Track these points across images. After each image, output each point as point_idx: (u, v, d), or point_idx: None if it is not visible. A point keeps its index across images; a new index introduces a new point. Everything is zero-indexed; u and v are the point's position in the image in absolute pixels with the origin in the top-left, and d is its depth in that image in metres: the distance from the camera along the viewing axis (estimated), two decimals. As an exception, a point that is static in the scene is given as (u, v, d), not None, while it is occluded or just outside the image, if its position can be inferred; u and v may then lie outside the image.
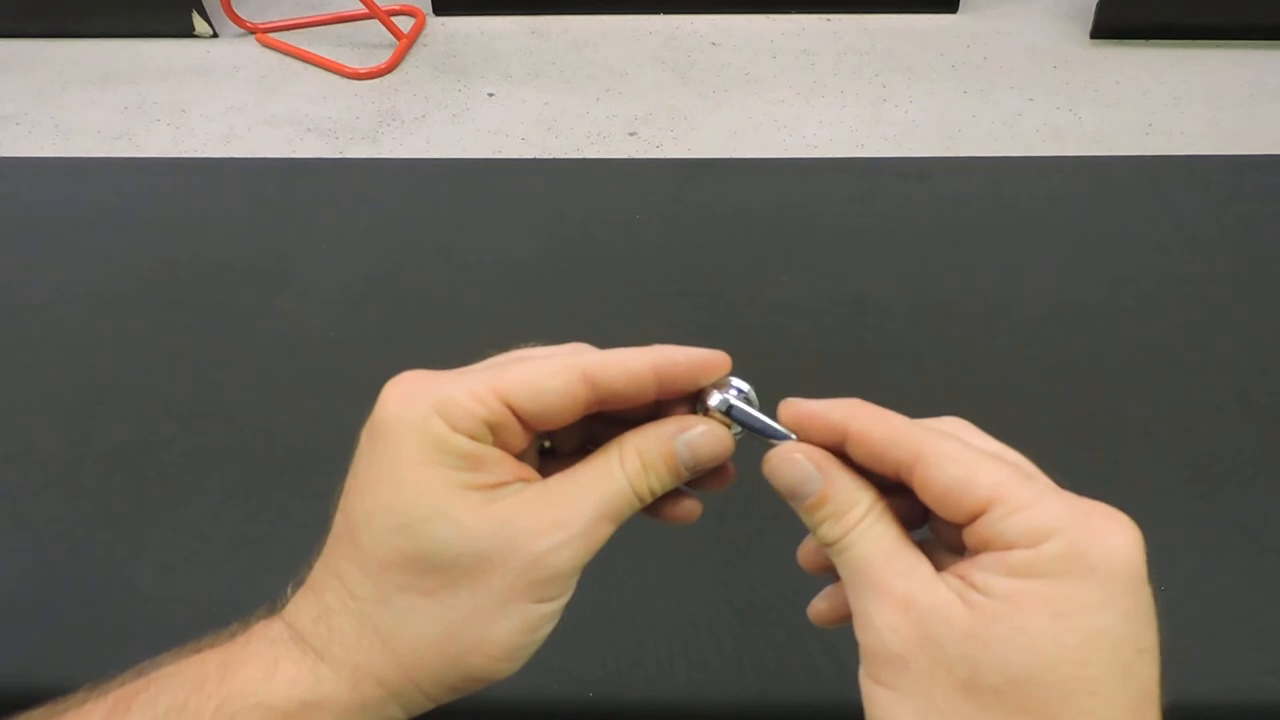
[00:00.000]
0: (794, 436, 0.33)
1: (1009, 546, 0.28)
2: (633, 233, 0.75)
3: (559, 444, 0.36)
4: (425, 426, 0.31)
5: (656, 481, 0.33)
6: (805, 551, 0.36)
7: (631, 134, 2.17)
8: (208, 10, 2.44)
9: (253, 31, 2.46)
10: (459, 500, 0.31)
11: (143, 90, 2.32)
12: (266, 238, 0.76)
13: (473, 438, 0.31)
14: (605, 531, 0.32)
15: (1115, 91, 2.21)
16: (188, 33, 2.47)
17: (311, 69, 2.37)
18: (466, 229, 0.76)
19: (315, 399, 0.65)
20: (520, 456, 0.33)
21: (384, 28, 2.40)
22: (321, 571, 0.33)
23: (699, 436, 0.33)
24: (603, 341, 0.34)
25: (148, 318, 0.70)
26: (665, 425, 0.33)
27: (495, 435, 0.32)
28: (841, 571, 0.32)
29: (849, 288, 0.70)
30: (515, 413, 0.32)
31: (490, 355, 0.35)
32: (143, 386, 0.65)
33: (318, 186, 0.80)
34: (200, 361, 0.67)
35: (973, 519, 0.29)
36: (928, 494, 0.30)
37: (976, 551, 0.30)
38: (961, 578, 0.29)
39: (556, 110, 2.23)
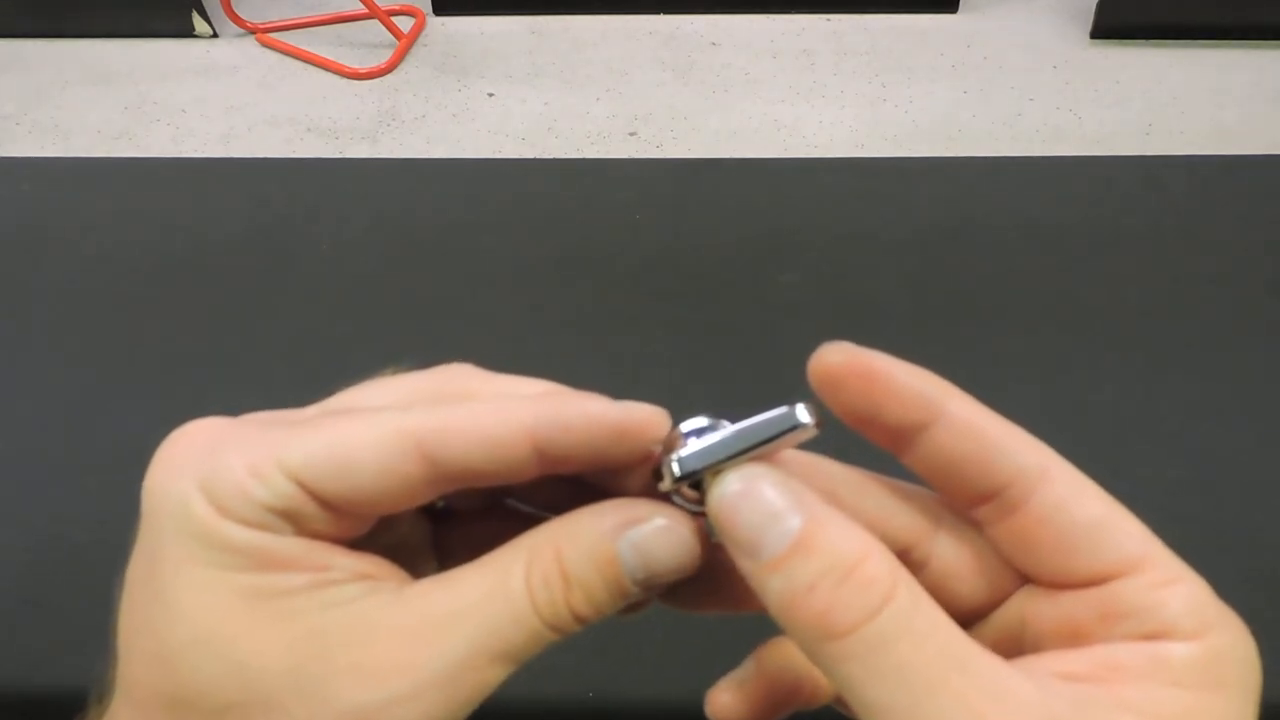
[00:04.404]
0: (810, 422, 0.21)
1: (1161, 630, 0.20)
2: (633, 233, 0.75)
3: (453, 504, 0.25)
4: (184, 509, 0.21)
5: (585, 602, 0.22)
6: (730, 699, 0.25)
7: (631, 134, 2.17)
8: (208, 10, 2.44)
9: (253, 31, 2.46)
10: (236, 616, 0.20)
11: (143, 90, 2.32)
12: (266, 238, 0.76)
13: (254, 526, 0.21)
14: (488, 677, 0.21)
15: (1115, 91, 2.21)
16: (188, 33, 2.47)
17: (311, 69, 2.37)
18: (466, 229, 0.76)
19: (315, 399, 0.64)
20: (379, 534, 0.23)
21: (384, 28, 2.40)
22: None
23: (656, 535, 0.21)
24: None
25: (147, 317, 0.70)
26: (601, 514, 0.22)
27: (296, 524, 0.21)
28: (861, 688, 0.19)
29: (849, 288, 0.70)
30: (315, 497, 0.21)
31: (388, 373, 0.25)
32: (143, 386, 0.65)
33: (318, 186, 0.80)
34: (200, 361, 0.67)
35: (1099, 580, 0.20)
36: (1043, 530, 0.21)
37: (1083, 624, 0.20)
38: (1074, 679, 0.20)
39: (556, 110, 2.23)
